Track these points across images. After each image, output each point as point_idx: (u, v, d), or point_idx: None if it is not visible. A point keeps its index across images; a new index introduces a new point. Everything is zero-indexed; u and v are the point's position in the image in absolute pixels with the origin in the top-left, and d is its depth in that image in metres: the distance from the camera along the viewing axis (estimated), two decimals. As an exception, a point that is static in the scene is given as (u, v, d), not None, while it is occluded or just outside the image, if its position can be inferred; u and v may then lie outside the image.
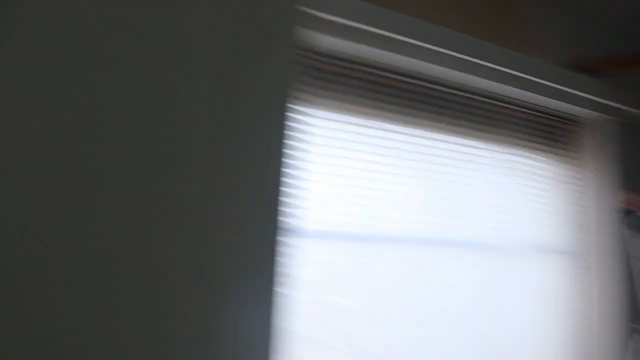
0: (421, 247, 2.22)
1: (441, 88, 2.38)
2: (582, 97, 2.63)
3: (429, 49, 2.10)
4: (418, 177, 2.26)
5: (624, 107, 2.80)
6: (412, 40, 2.02)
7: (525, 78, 2.41)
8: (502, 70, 2.33)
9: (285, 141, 1.24)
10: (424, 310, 2.18)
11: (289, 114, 1.25)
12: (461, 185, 2.39)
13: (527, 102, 2.64)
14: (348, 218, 2.06)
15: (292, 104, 1.25)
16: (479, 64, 2.25)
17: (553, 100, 2.59)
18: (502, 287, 2.42)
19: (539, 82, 2.46)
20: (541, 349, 2.51)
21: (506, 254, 2.46)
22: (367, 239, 2.09)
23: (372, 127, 2.18)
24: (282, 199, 1.22)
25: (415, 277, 2.17)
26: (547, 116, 2.77)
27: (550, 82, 2.46)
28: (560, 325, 2.61)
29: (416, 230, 2.22)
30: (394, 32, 1.97)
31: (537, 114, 2.72)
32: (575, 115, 2.83)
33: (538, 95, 2.53)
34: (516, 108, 2.65)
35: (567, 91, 2.55)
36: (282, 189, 1.22)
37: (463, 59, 2.20)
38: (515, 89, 2.44)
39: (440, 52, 2.14)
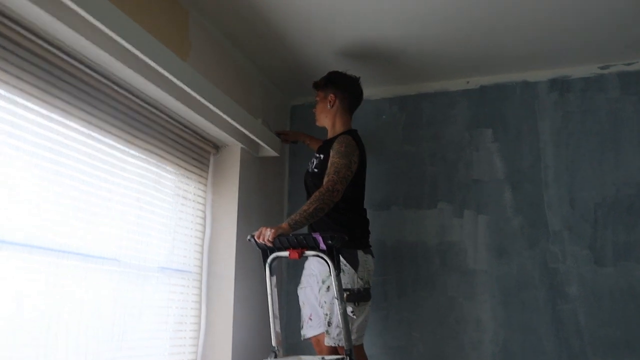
0: (45, 255, 1.86)
1: (97, 76, 2.10)
2: (228, 121, 2.68)
3: (96, 27, 1.82)
4: (51, 172, 1.90)
5: (261, 143, 3.00)
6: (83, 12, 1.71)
7: (183, 89, 2.32)
8: (163, 75, 2.19)
9: None
10: (44, 322, 1.84)
11: None
12: (100, 191, 2.14)
13: (177, 114, 2.57)
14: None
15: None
16: (144, 61, 2.07)
17: (200, 118, 2.59)
18: (131, 304, 2.26)
19: (195, 98, 2.40)
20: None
21: (136, 271, 2.33)
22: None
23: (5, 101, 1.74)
24: None
25: (34, 287, 1.81)
26: (191, 132, 2.75)
27: (206, 99, 2.43)
28: (181, 341, 2.60)
29: (42, 236, 1.85)
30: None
31: (183, 128, 2.67)
32: (216, 138, 2.90)
33: (190, 110, 2.49)
34: (167, 118, 2.54)
35: (215, 112, 2.57)
36: None
37: (130, 51, 1.99)
38: (171, 97, 2.34)
39: (106, 34, 1.87)
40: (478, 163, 3.15)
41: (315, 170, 2.61)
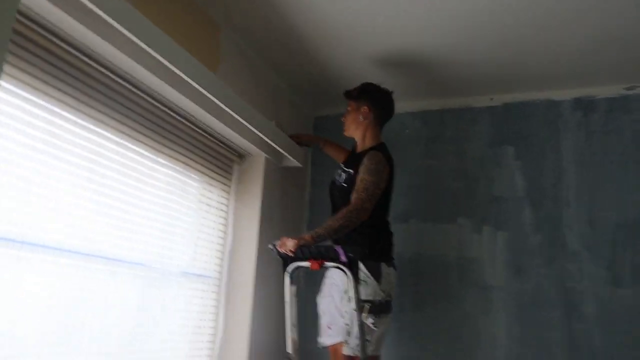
0: (76, 258, 1.94)
1: (129, 86, 2.18)
2: (253, 131, 2.73)
3: (134, 42, 1.88)
4: (84, 179, 1.98)
5: (285, 153, 3.04)
6: (121, 28, 1.79)
7: (211, 100, 2.37)
8: (192, 86, 2.23)
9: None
10: (70, 323, 1.92)
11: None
12: (129, 197, 2.21)
13: (204, 123, 2.64)
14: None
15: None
16: (175, 72, 2.12)
17: (226, 128, 2.64)
18: (153, 307, 2.33)
19: (222, 108, 2.45)
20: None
21: (159, 275, 2.39)
22: (10, 241, 1.70)
23: (52, 115, 1.83)
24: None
25: (64, 290, 1.88)
26: (217, 141, 2.82)
27: (232, 110, 2.48)
28: (199, 344, 2.66)
29: (73, 240, 1.93)
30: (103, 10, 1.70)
31: (209, 137, 2.75)
32: (240, 147, 2.97)
33: (216, 120, 2.54)
34: (194, 127, 2.62)
35: (241, 122, 2.62)
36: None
37: (161, 62, 2.03)
38: (199, 107, 2.40)
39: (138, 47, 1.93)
40: (499, 180, 3.17)
41: (344, 185, 2.59)
